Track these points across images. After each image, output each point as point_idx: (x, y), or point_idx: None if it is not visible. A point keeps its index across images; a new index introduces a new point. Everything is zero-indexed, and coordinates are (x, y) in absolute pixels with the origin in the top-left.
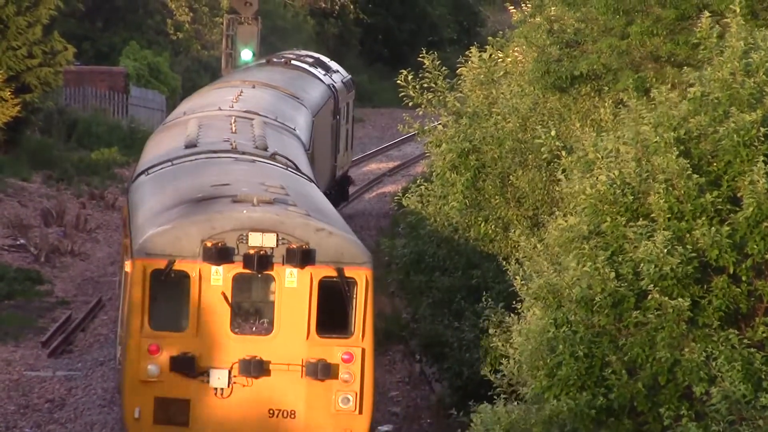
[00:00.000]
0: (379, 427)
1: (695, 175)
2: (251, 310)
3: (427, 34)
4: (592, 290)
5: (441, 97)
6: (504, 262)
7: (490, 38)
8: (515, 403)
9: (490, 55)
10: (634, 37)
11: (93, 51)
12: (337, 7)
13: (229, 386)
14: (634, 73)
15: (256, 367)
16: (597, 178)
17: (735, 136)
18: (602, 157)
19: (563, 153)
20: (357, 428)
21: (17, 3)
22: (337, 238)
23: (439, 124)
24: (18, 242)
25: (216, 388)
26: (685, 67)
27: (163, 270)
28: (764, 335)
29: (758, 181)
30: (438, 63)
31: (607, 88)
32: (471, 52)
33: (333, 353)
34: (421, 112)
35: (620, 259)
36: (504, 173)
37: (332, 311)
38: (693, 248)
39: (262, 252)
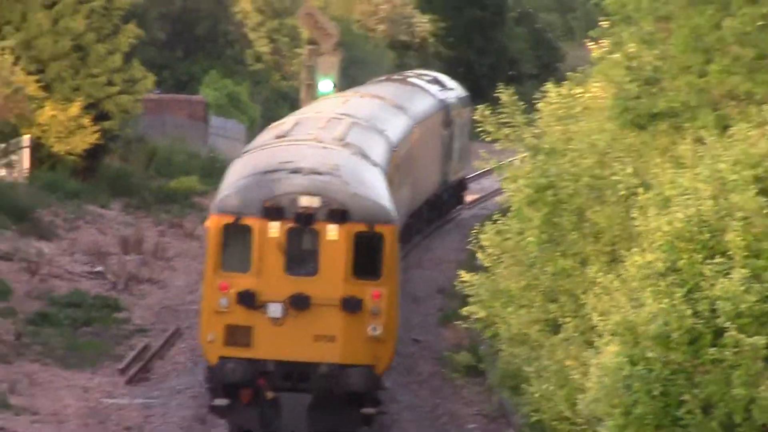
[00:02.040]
0: None
1: None
2: (300, 257)
3: (507, 69)
4: (669, 327)
5: (518, 132)
6: (581, 297)
7: (569, 73)
8: None
9: (569, 90)
10: (712, 76)
11: (173, 79)
12: (417, 40)
13: (282, 316)
14: (713, 111)
15: (304, 302)
16: (674, 215)
17: None
18: (679, 194)
19: (640, 190)
20: (383, 352)
21: (97, 31)
22: (369, 201)
23: (516, 159)
24: (96, 269)
25: (272, 318)
26: (765, 106)
27: (232, 224)
28: None
29: None
30: (516, 98)
31: (685, 126)
32: (548, 88)
33: (364, 292)
34: (498, 147)
35: (697, 296)
36: (580, 209)
37: (364, 259)
38: None
39: (309, 211)
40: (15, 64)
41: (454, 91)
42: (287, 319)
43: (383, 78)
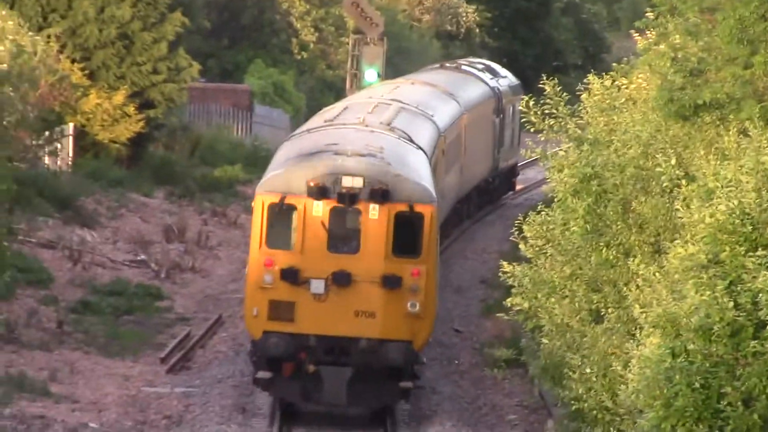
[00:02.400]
0: None
1: None
2: (343, 235)
3: (552, 59)
4: (710, 319)
5: (562, 123)
6: (624, 288)
7: (614, 65)
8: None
9: (613, 81)
10: (758, 67)
11: (218, 68)
12: (462, 30)
13: (324, 292)
14: (758, 102)
15: (346, 278)
16: (717, 207)
17: None
18: (722, 186)
19: (683, 182)
20: (421, 328)
21: (143, 19)
22: (410, 182)
23: (561, 150)
24: (139, 258)
25: (315, 294)
26: None
27: (277, 203)
28: None
29: None
30: (560, 89)
31: (730, 117)
32: (591, 79)
33: (404, 270)
34: (542, 138)
35: (739, 288)
36: (625, 199)
37: (404, 238)
38: None
39: (351, 191)
40: (60, 52)
41: (507, 79)
42: (329, 295)
43: (436, 66)
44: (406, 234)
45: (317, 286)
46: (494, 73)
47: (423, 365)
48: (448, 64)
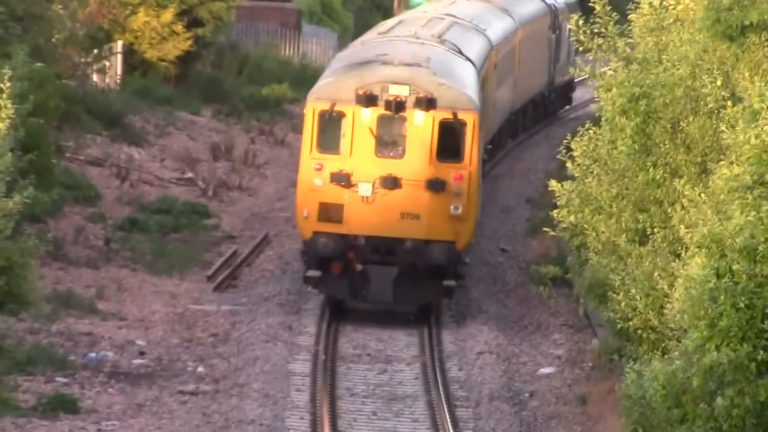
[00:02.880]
0: (541, 369)
1: None
2: (390, 141)
3: None
4: (755, 240)
5: (612, 43)
6: (670, 208)
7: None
8: (675, 353)
9: (661, 1)
10: None
11: None
12: None
13: (372, 195)
14: None
15: (393, 182)
16: (762, 128)
17: None
18: None
19: (729, 102)
20: (463, 230)
21: None
22: (454, 91)
23: (610, 69)
24: (186, 176)
25: (363, 196)
26: None
27: (327, 110)
28: None
29: None
30: (609, 8)
31: None
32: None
33: (448, 173)
34: (591, 57)
35: None
36: (674, 119)
37: (448, 143)
38: None
39: (398, 99)
40: None
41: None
42: (376, 197)
43: None
44: (449, 140)
45: (365, 188)
46: None
47: (466, 265)
48: None
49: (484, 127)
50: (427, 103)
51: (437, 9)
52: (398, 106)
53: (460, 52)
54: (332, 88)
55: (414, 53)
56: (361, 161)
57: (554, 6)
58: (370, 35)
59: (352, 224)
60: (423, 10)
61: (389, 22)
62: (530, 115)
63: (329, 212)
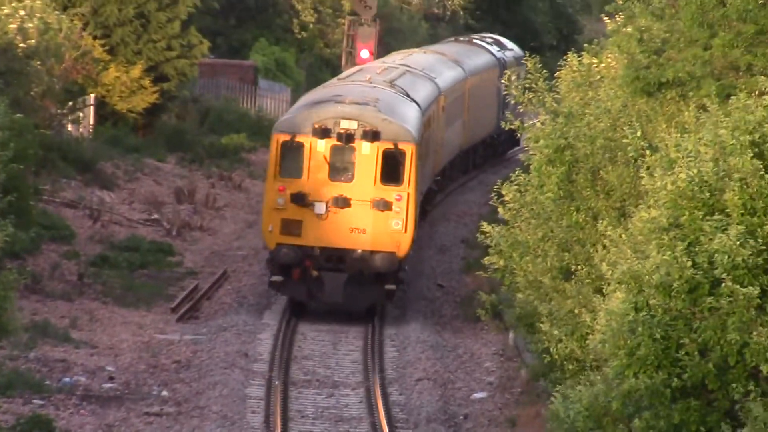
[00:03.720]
0: (474, 394)
1: None
2: (341, 167)
3: (530, 40)
4: (670, 277)
5: (540, 97)
6: (592, 248)
7: (586, 45)
8: (596, 379)
9: (587, 61)
10: (716, 49)
11: (226, 46)
12: (448, 13)
13: (326, 213)
14: (716, 81)
15: (343, 202)
16: (678, 175)
17: None
18: (683, 156)
19: (648, 152)
20: (403, 241)
21: (158, 0)
22: (395, 125)
23: (538, 121)
24: (152, 217)
25: (318, 214)
26: (762, 77)
27: (288, 141)
28: None
29: None
30: (539, 66)
31: (690, 94)
32: (570, 57)
33: (389, 194)
34: (521, 110)
35: (696, 249)
36: (595, 168)
37: (390, 169)
38: (764, 241)
39: (348, 132)
40: (83, 29)
41: (512, 51)
42: (329, 215)
43: (452, 39)
44: (391, 166)
45: (320, 207)
46: (501, 46)
47: (405, 272)
48: (462, 38)
49: (425, 156)
50: (373, 136)
51: (395, 60)
52: (348, 137)
53: (407, 95)
54: (293, 123)
55: (364, 94)
56: (316, 184)
57: (503, 59)
58: (332, 81)
59: (309, 237)
60: (383, 61)
61: (351, 70)
62: (480, 154)
63: (290, 227)
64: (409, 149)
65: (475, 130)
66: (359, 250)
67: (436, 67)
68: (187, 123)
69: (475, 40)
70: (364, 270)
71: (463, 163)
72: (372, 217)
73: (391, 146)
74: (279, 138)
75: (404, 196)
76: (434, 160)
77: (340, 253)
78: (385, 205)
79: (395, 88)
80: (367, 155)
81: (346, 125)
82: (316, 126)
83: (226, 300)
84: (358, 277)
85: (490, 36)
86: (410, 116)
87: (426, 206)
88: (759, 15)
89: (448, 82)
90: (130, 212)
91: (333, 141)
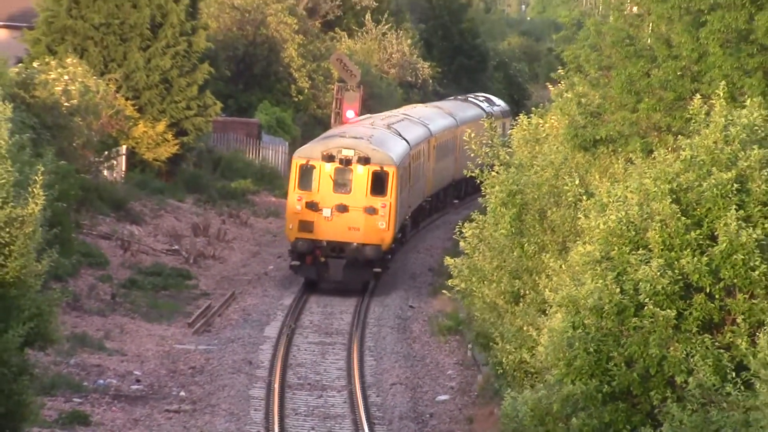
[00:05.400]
0: (439, 397)
1: (683, 218)
2: (342, 183)
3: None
4: (602, 301)
5: (496, 151)
6: (538, 277)
7: (533, 108)
8: (540, 385)
9: (534, 121)
10: (642, 112)
11: (235, 106)
12: (420, 81)
13: (331, 216)
14: (641, 138)
15: (343, 208)
16: (609, 217)
17: (715, 189)
18: (613, 201)
19: (584, 197)
20: (386, 237)
21: (179, 68)
22: (381, 153)
23: (494, 171)
24: (173, 247)
25: (325, 216)
26: (680, 136)
27: (304, 164)
28: (731, 340)
29: (731, 224)
30: (494, 125)
31: (620, 149)
32: (520, 118)
33: (377, 203)
34: (479, 161)
35: (624, 278)
36: (541, 209)
37: (377, 185)
38: (680, 272)
39: (347, 158)
40: (117, 91)
41: (500, 106)
42: (333, 217)
43: (452, 98)
44: (378, 183)
45: (327, 212)
46: (491, 102)
47: (388, 260)
48: (460, 97)
49: (411, 178)
50: (365, 161)
51: (399, 111)
52: (347, 162)
53: (399, 134)
54: (308, 151)
55: (363, 132)
56: (324, 195)
57: (491, 112)
58: (347, 123)
59: (318, 233)
60: (390, 112)
61: (361, 117)
62: (471, 184)
63: (305, 226)
64: (391, 171)
65: (465, 165)
66: (355, 243)
67: (432, 116)
68: (202, 170)
69: (470, 98)
70: (358, 257)
71: (456, 190)
72: (364, 219)
73: (378, 168)
74: (298, 162)
75: (387, 204)
76: (425, 184)
77: (341, 245)
78: (373, 211)
79: (390, 129)
80: (360, 174)
81: (345, 153)
82: (324, 153)
83: (234, 317)
84: (353, 263)
85: (483, 95)
86: (396, 148)
87: (419, 219)
88: (677, 84)
89: (440, 127)
90: (155, 243)
91: (336, 164)
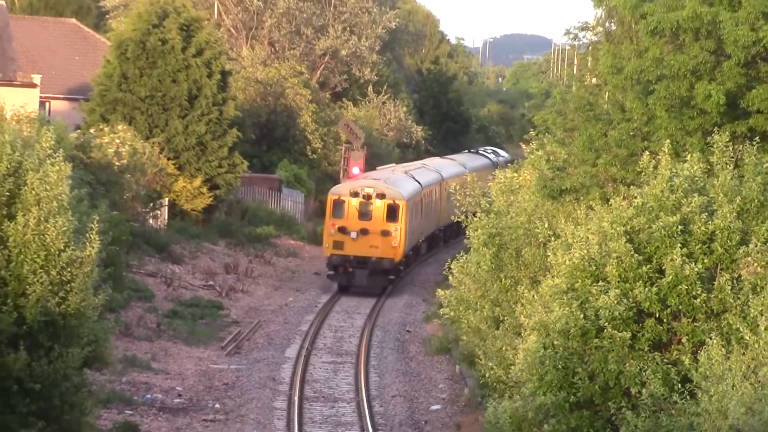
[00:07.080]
0: (432, 406)
1: (636, 255)
2: (365, 213)
3: None
4: (568, 325)
5: (477, 201)
6: (515, 305)
7: (509, 165)
8: (517, 396)
9: (510, 175)
10: (600, 167)
11: (259, 164)
12: (413, 142)
13: (357, 237)
14: (600, 189)
15: (365, 231)
16: (573, 254)
17: (662, 231)
18: (577, 241)
19: (552, 238)
20: (398, 253)
21: (212, 133)
22: (394, 191)
23: (477, 216)
24: (208, 283)
25: (352, 238)
26: (632, 186)
27: (337, 198)
28: (677, 357)
29: (676, 259)
30: (476, 180)
31: (582, 198)
32: (497, 172)
33: (390, 228)
34: (463, 209)
35: (586, 306)
36: (517, 248)
37: (391, 214)
38: (633, 301)
39: (368, 194)
40: (160, 153)
41: (504, 157)
42: (358, 238)
43: (466, 150)
44: (391, 213)
45: (353, 234)
46: (497, 154)
47: (400, 270)
48: (472, 150)
49: (421, 211)
50: (381, 196)
51: (420, 161)
52: (368, 197)
53: (413, 178)
54: (339, 189)
55: (382, 175)
56: (351, 222)
57: (497, 161)
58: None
59: (347, 250)
60: (412, 163)
61: (387, 165)
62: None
63: (337, 245)
64: (402, 204)
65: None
66: (374, 257)
67: (444, 165)
68: (232, 218)
69: (480, 151)
70: (377, 268)
71: (459, 229)
72: (381, 240)
73: (392, 202)
74: (332, 197)
75: (399, 228)
76: (437, 217)
77: (364, 259)
78: (387, 233)
79: (407, 174)
80: (378, 206)
81: (367, 190)
82: (351, 191)
83: (260, 341)
84: (374, 272)
85: (491, 148)
86: (407, 187)
87: (432, 243)
88: (630, 143)
89: (451, 174)
90: (193, 280)
91: (360, 199)
